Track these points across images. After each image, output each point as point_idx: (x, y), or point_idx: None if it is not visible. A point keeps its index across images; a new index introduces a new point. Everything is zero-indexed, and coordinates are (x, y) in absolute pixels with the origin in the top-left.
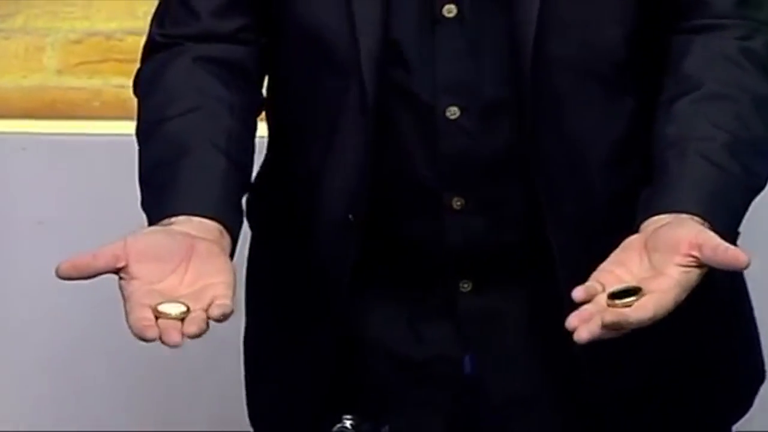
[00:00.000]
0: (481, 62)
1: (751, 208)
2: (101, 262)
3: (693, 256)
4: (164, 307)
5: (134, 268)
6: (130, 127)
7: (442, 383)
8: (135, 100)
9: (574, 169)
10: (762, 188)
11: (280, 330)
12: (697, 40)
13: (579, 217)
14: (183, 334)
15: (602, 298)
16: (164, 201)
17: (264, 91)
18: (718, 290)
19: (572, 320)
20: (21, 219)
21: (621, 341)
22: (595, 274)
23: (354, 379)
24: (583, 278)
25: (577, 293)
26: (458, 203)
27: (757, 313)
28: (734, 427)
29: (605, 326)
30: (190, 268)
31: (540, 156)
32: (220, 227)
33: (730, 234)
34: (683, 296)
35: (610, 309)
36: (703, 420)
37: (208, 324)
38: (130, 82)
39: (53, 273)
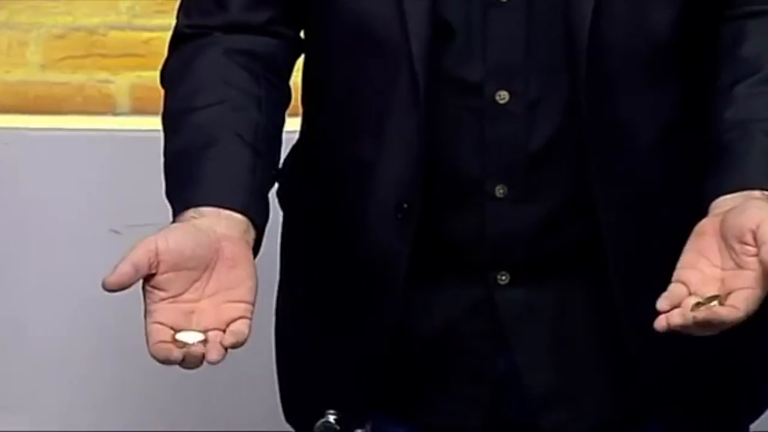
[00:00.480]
0: (534, 47)
1: None
2: (141, 273)
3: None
4: (182, 336)
5: (161, 279)
6: (113, 122)
7: (478, 378)
8: (117, 96)
9: (624, 152)
10: None
11: (321, 322)
12: (751, 24)
13: (629, 202)
14: (205, 359)
15: (691, 301)
16: (191, 191)
17: (300, 83)
18: None
19: (663, 302)
20: (3, 213)
21: (670, 339)
22: (677, 274)
23: (394, 374)
24: (633, 259)
25: (662, 304)
26: (501, 191)
27: None
28: (753, 427)
29: (697, 324)
30: (213, 276)
31: (592, 140)
32: (247, 221)
33: None
34: None
35: (704, 311)
36: (722, 420)
37: (226, 349)
38: (113, 77)
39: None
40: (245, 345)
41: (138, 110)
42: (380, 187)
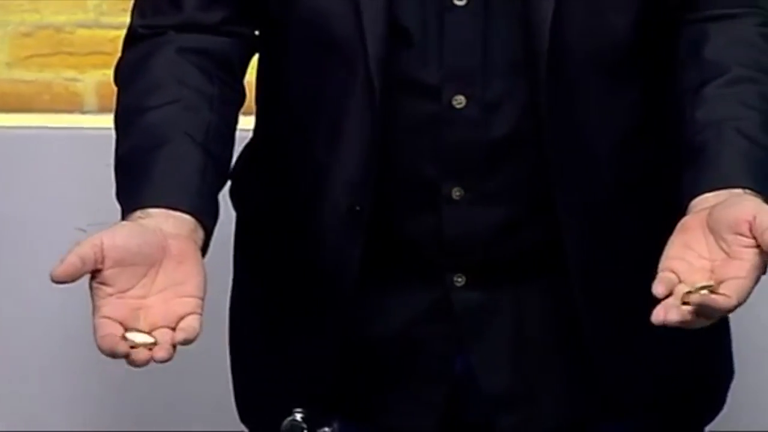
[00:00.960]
0: (492, 51)
1: None
2: (88, 266)
3: (754, 238)
4: (132, 335)
5: (108, 274)
6: (80, 120)
7: (434, 379)
8: (85, 95)
9: (583, 155)
10: None
11: (274, 323)
12: (713, 27)
13: (588, 203)
14: (153, 358)
15: (682, 289)
16: (139, 192)
17: (254, 81)
18: None
19: (659, 311)
20: None
21: (632, 334)
22: (664, 263)
23: (351, 375)
24: (592, 263)
25: (658, 289)
26: (458, 194)
27: None
28: (708, 428)
29: (695, 311)
30: (160, 272)
31: (551, 144)
32: (195, 221)
33: None
34: (761, 277)
35: (700, 295)
36: (681, 420)
37: (174, 347)
38: (80, 76)
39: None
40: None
41: (105, 108)
42: (333, 188)
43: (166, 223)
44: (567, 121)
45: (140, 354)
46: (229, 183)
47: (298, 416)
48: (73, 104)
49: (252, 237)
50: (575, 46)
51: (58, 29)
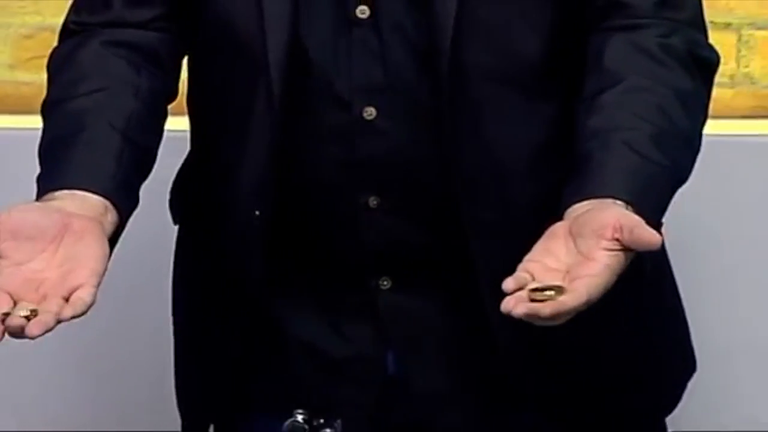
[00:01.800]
0: (397, 64)
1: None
2: None
3: (618, 240)
4: (9, 311)
5: (3, 246)
6: None
7: (365, 382)
8: None
9: (493, 174)
10: (686, 180)
11: (201, 324)
12: (616, 36)
13: (498, 222)
14: (25, 334)
15: (531, 285)
16: (53, 175)
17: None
18: (644, 281)
19: (508, 303)
20: None
21: (546, 337)
22: (522, 265)
23: (277, 377)
24: (501, 275)
25: (507, 284)
26: (374, 202)
27: (686, 305)
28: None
29: (542, 318)
30: (60, 248)
31: (458, 161)
32: (107, 204)
33: (655, 224)
34: (613, 280)
35: (548, 302)
36: (634, 413)
37: (57, 322)
38: None
39: None
40: None
41: None
42: (239, 193)
43: (72, 204)
44: (473, 136)
45: (13, 320)
46: (169, 193)
47: (299, 417)
48: None
49: (184, 245)
50: (479, 62)
51: None
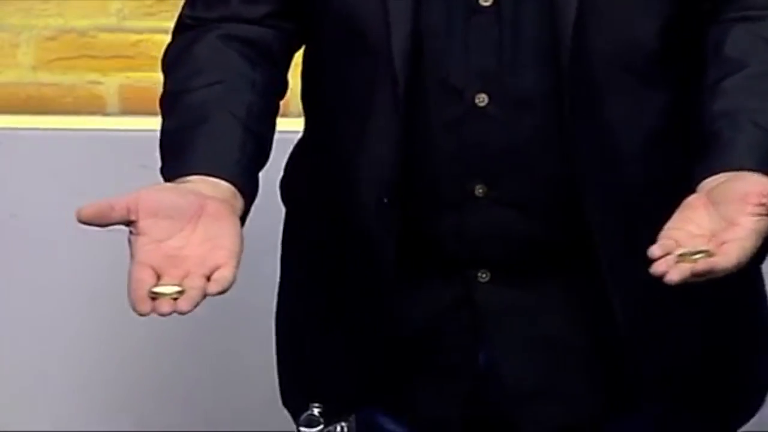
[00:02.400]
0: (516, 52)
1: None
2: (117, 213)
3: (763, 205)
4: (158, 288)
5: (143, 224)
6: (102, 122)
7: (458, 373)
8: (107, 97)
9: (609, 158)
10: None
11: (315, 313)
12: (736, 26)
13: (617, 205)
14: (175, 310)
15: (679, 251)
16: (180, 163)
17: (299, 79)
18: (738, 288)
19: (659, 266)
20: None
21: (665, 323)
22: (664, 233)
23: (380, 367)
24: (621, 260)
25: (654, 251)
26: (480, 191)
27: None
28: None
29: (695, 274)
30: (198, 227)
31: (576, 145)
32: (234, 190)
33: None
34: (759, 243)
35: (702, 260)
36: (724, 413)
37: (203, 297)
38: (103, 78)
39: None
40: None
41: (127, 110)
42: (363, 182)
43: (205, 187)
44: (591, 121)
45: (162, 305)
46: (280, 180)
47: (316, 411)
48: (95, 106)
49: (297, 229)
50: (599, 49)
51: (82, 33)
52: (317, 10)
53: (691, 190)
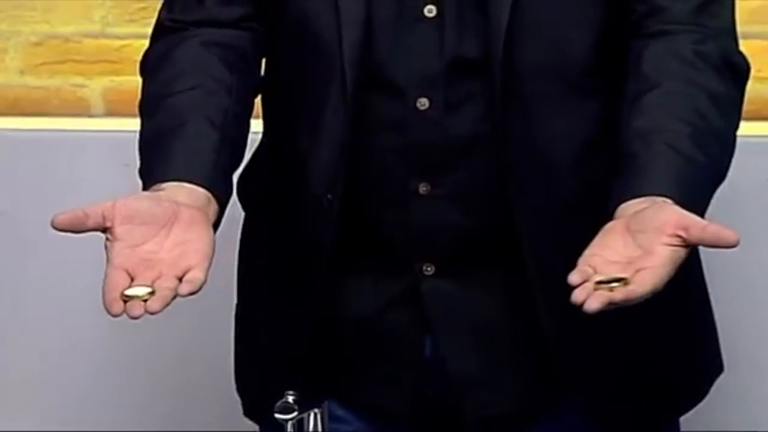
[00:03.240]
0: (454, 60)
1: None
2: (91, 221)
3: (679, 236)
4: (130, 291)
5: (118, 230)
6: (87, 123)
7: (405, 363)
8: (91, 99)
9: (541, 164)
10: (724, 177)
11: (267, 304)
12: (654, 43)
13: (545, 207)
14: (146, 310)
15: (596, 278)
16: (157, 168)
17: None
18: (677, 282)
19: (579, 294)
20: None
21: (589, 322)
22: (583, 259)
23: (329, 356)
24: (550, 262)
25: (573, 278)
26: (424, 189)
27: (716, 309)
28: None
29: (612, 303)
30: (171, 233)
31: (508, 151)
32: (208, 195)
33: None
34: (673, 272)
35: (620, 289)
36: (658, 403)
37: (173, 298)
38: (87, 82)
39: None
40: None
41: (111, 112)
42: (312, 178)
43: (180, 194)
44: (523, 128)
45: (134, 308)
46: (236, 180)
47: (290, 398)
48: (80, 108)
49: (253, 226)
50: (530, 61)
51: (67, 39)
52: (273, 12)
53: (611, 210)
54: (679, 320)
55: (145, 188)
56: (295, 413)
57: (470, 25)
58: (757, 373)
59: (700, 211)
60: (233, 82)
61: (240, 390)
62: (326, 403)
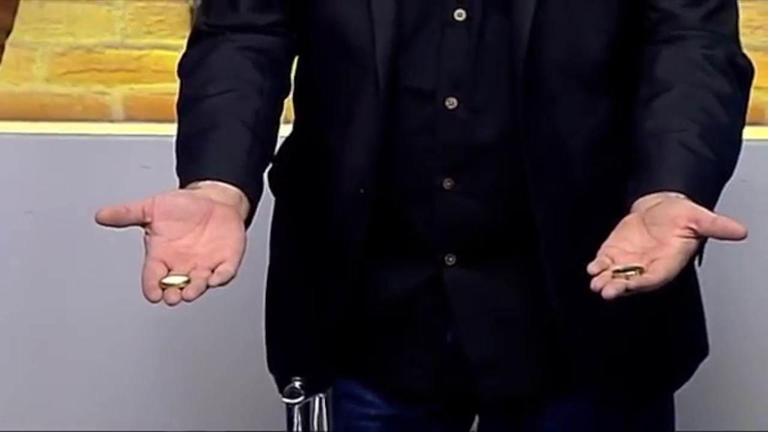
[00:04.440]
0: (482, 60)
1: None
2: (132, 215)
3: (691, 229)
4: (168, 280)
5: (157, 225)
6: (108, 128)
7: (428, 348)
8: (112, 106)
9: (557, 157)
10: (731, 174)
11: (298, 287)
12: (667, 48)
13: (560, 196)
14: (182, 298)
15: (614, 267)
16: (193, 167)
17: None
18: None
19: (597, 282)
20: (12, 208)
21: (599, 312)
22: (602, 250)
23: (356, 340)
24: (562, 252)
25: (593, 267)
26: (448, 184)
27: (704, 296)
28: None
29: (628, 290)
30: (206, 229)
31: (529, 145)
32: (241, 194)
33: None
34: (686, 262)
35: (635, 277)
36: (657, 382)
37: (206, 287)
38: (108, 89)
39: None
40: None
41: (130, 118)
42: (344, 174)
43: (214, 193)
44: (543, 125)
45: (171, 295)
46: (267, 172)
47: (297, 384)
48: (102, 114)
49: (285, 216)
50: (551, 60)
51: (89, 49)
52: (306, 19)
53: (627, 205)
54: (676, 307)
55: (181, 186)
56: (302, 398)
57: (496, 29)
58: (748, 372)
59: (710, 205)
60: (265, 86)
61: (270, 366)
62: (330, 388)
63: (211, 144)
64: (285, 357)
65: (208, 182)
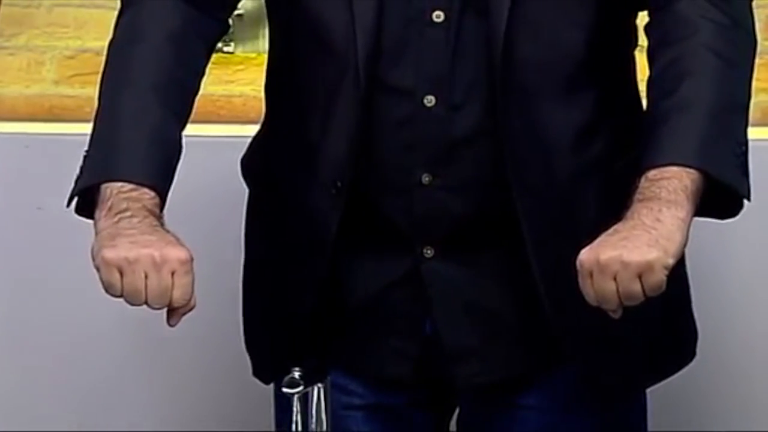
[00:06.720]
0: (460, 59)
1: None
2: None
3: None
4: None
5: None
6: None
7: (408, 338)
8: None
9: (538, 150)
10: (745, 144)
11: (273, 274)
12: (678, 3)
13: (543, 188)
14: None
15: None
16: (105, 169)
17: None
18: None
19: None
20: (23, 205)
21: (581, 304)
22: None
23: (337, 329)
24: (548, 240)
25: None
26: (426, 179)
27: (702, 296)
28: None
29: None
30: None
31: (508, 139)
32: (156, 197)
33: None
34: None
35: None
36: (645, 368)
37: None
38: None
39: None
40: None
41: None
42: (322, 166)
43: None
44: (522, 120)
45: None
46: (241, 163)
47: (296, 374)
48: None
49: (259, 209)
50: (528, 57)
51: (97, 53)
52: (286, 11)
53: (640, 171)
54: (666, 297)
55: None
56: (301, 387)
57: (473, 29)
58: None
59: (725, 174)
60: (187, 82)
61: (249, 351)
62: (329, 378)
63: (125, 144)
64: (260, 348)
65: (119, 183)
